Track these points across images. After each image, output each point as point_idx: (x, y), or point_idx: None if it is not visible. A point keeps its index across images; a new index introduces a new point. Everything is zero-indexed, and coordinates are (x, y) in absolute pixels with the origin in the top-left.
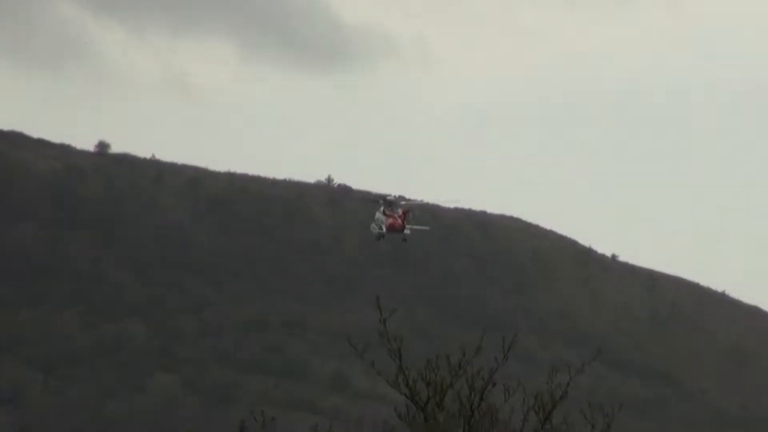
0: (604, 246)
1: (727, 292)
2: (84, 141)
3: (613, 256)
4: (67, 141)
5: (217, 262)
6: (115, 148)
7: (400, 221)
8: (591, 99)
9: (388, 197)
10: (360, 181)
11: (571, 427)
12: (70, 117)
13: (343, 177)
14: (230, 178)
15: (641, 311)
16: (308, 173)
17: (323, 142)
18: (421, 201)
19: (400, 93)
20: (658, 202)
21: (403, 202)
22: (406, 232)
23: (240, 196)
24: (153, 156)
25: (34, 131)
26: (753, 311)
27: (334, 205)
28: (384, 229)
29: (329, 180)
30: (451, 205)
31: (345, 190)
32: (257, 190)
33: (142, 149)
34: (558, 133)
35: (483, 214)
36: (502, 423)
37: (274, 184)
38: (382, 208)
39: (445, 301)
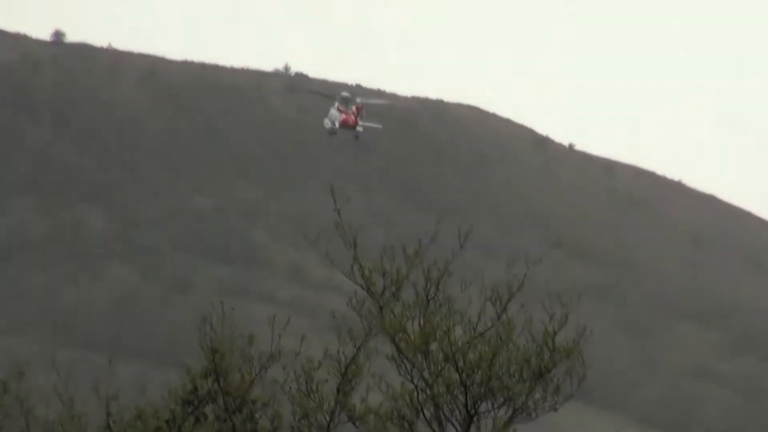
0: (561, 135)
1: (683, 181)
2: (40, 30)
3: (570, 145)
4: (22, 30)
5: (174, 148)
6: (71, 37)
7: (353, 118)
8: None
9: (343, 94)
10: (318, 70)
11: (528, 317)
12: (25, 5)
13: (301, 65)
14: (187, 66)
15: (598, 198)
16: (265, 62)
17: (281, 30)
18: (378, 101)
19: None
20: (614, 92)
21: (358, 99)
22: (359, 129)
23: (197, 84)
24: (109, 45)
25: None
26: (709, 199)
27: (292, 93)
28: (337, 125)
29: (286, 68)
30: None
31: (302, 79)
32: (214, 78)
33: (98, 38)
34: (516, 22)
35: (440, 102)
36: (458, 313)
37: (231, 72)
38: (336, 104)
39: (404, 187)
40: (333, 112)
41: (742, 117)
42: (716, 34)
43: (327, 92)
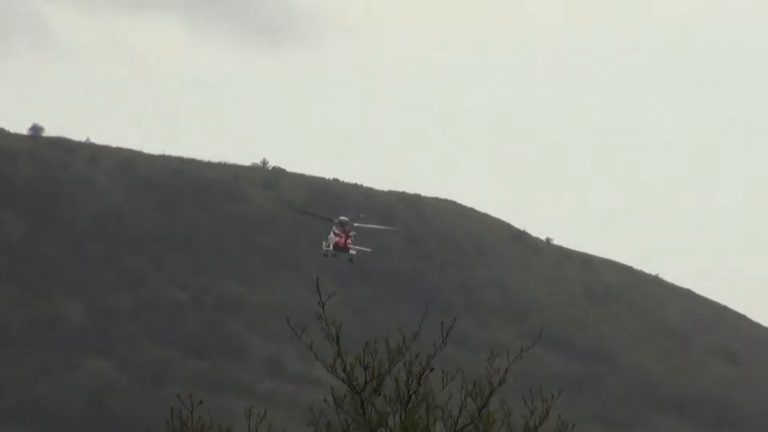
0: (538, 230)
1: (660, 275)
2: (17, 124)
3: (548, 240)
4: None
5: (152, 239)
6: (49, 131)
7: (343, 240)
8: (533, 77)
9: (341, 218)
10: (295, 165)
11: (508, 412)
12: (2, 99)
13: (279, 160)
14: (165, 160)
15: (576, 291)
16: (243, 156)
17: (259, 124)
18: (380, 227)
19: (340, 72)
20: (591, 187)
21: (356, 224)
22: (352, 252)
23: (174, 177)
24: (87, 139)
25: None
26: (686, 293)
27: (270, 186)
28: (331, 247)
29: (264, 162)
30: (393, 228)
31: (280, 173)
32: (192, 172)
33: (76, 132)
34: (493, 116)
35: (417, 197)
36: (439, 409)
37: (209, 166)
38: (333, 228)
39: (382, 279)
40: (331, 235)
41: (718, 213)
42: (686, 129)
43: (326, 216)
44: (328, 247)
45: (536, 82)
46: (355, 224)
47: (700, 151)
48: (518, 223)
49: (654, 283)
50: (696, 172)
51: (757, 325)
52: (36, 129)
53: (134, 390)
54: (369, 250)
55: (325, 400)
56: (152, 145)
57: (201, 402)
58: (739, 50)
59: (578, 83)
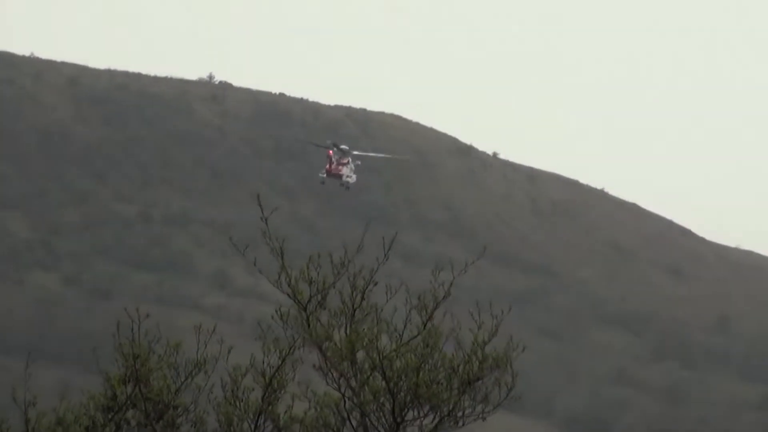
0: (484, 144)
1: (606, 189)
2: None
3: (494, 154)
4: None
5: (98, 155)
6: None
7: (333, 167)
8: None
9: (342, 147)
10: (242, 79)
11: (457, 326)
12: None
13: (226, 74)
14: (110, 75)
15: (522, 206)
16: (189, 71)
17: (205, 38)
18: (376, 155)
19: None
20: (536, 100)
21: (355, 152)
22: (347, 179)
23: (120, 92)
24: (32, 54)
25: None
26: (631, 208)
27: (216, 101)
28: (324, 174)
29: (210, 77)
30: (381, 154)
31: (226, 87)
32: (138, 87)
33: (20, 47)
34: (438, 30)
35: (363, 111)
36: (384, 322)
37: (155, 81)
38: (331, 155)
39: (329, 193)
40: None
41: (665, 126)
42: (640, 41)
43: (325, 145)
44: (323, 173)
45: None
46: (355, 152)
47: (644, 63)
48: (465, 138)
49: (600, 197)
50: (640, 85)
51: (702, 240)
52: None
53: (81, 305)
54: (352, 180)
55: (273, 317)
56: (97, 60)
57: (148, 315)
58: None
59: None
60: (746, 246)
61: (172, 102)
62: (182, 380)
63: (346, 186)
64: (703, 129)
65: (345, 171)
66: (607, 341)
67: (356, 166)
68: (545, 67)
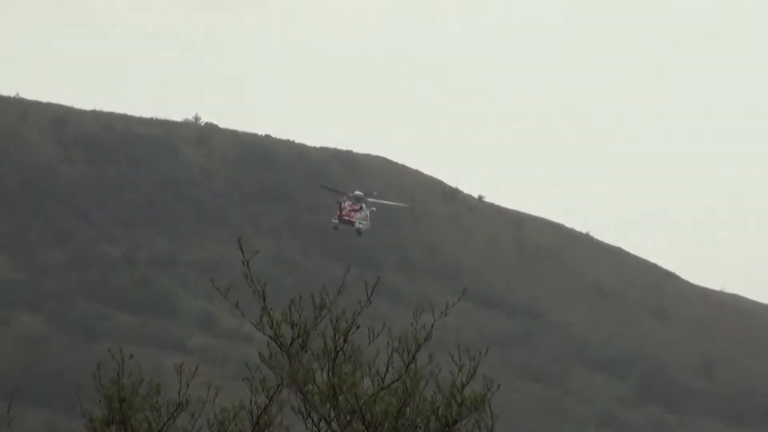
0: (470, 187)
1: (591, 233)
2: None
3: (480, 197)
4: None
5: (83, 195)
6: None
7: (340, 213)
8: (469, 33)
9: (356, 193)
10: (227, 121)
11: (436, 369)
12: None
13: (211, 116)
14: (96, 116)
15: (507, 249)
16: (175, 112)
17: (190, 80)
18: (392, 203)
19: (271, 28)
20: (523, 144)
21: (370, 199)
22: (359, 225)
23: (106, 133)
24: (17, 94)
25: None
26: (616, 251)
27: (202, 142)
28: (337, 220)
29: (196, 118)
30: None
31: (212, 129)
32: (124, 127)
33: (5, 88)
34: (423, 73)
35: (349, 153)
36: (366, 365)
37: (141, 122)
38: (343, 201)
39: (313, 235)
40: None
41: (648, 172)
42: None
43: (342, 190)
44: (335, 219)
45: (470, 35)
46: (370, 199)
47: (630, 109)
48: (450, 180)
49: (584, 241)
50: (625, 130)
51: (687, 283)
52: None
53: (65, 344)
54: (363, 226)
55: (260, 357)
56: (83, 101)
57: (132, 356)
58: None
59: (513, 40)
60: (731, 289)
61: (157, 143)
62: (164, 421)
63: (359, 232)
64: (689, 173)
65: (357, 217)
66: (592, 384)
67: (371, 212)
68: (531, 112)
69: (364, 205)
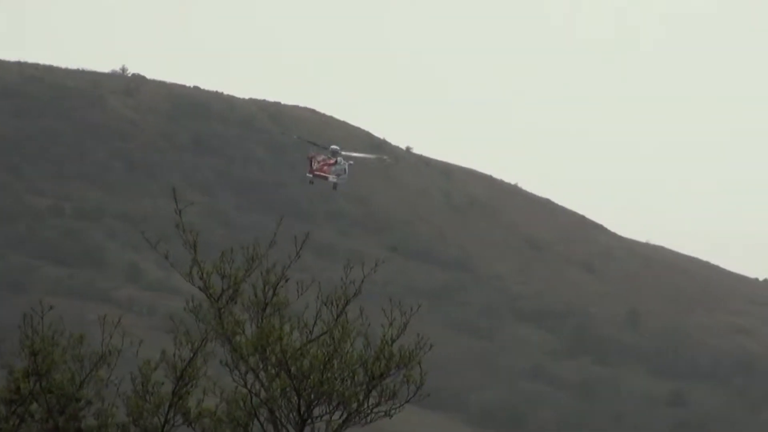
0: (397, 138)
1: (519, 185)
2: None
3: (407, 148)
4: None
5: (11, 148)
6: None
7: (311, 168)
8: None
9: (332, 147)
10: (155, 72)
11: (366, 323)
12: None
13: (139, 66)
14: (21, 67)
15: (438, 200)
16: (103, 63)
17: (117, 31)
18: (365, 156)
19: None
20: (450, 95)
21: (344, 153)
22: (332, 179)
23: (32, 85)
24: None
25: None
26: (545, 203)
27: (130, 94)
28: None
29: (123, 70)
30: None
31: (139, 80)
32: (51, 79)
33: None
34: (352, 26)
35: (277, 105)
36: (294, 317)
37: (67, 73)
38: (317, 155)
39: (245, 187)
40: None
41: (579, 123)
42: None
43: (320, 143)
44: (309, 174)
45: None
46: (344, 153)
47: (560, 60)
48: (378, 132)
49: (514, 192)
50: (555, 80)
51: (614, 235)
52: None
53: None
54: (336, 180)
55: (185, 309)
56: (8, 52)
57: (51, 307)
58: None
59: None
60: (656, 241)
61: (85, 95)
62: (86, 373)
63: (334, 186)
64: (615, 126)
65: (332, 170)
66: (522, 336)
67: (349, 166)
68: (460, 63)
69: (340, 159)
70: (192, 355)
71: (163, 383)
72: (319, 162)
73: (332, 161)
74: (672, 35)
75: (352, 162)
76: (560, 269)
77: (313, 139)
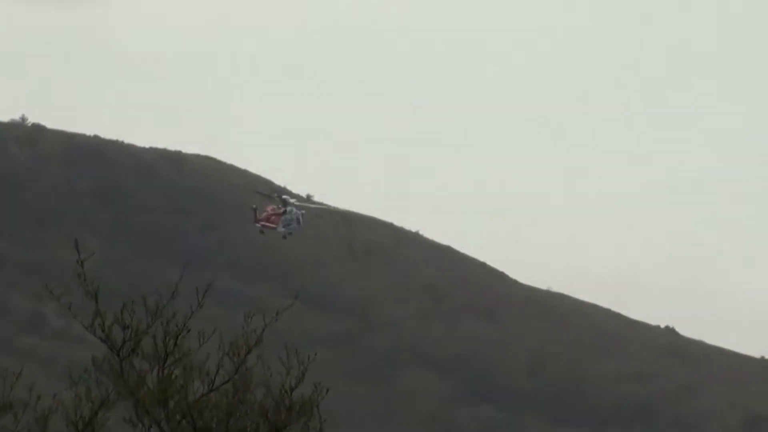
0: (299, 186)
1: (421, 232)
2: None
3: (308, 196)
4: None
5: None
6: None
7: (255, 219)
8: (294, 27)
9: (283, 197)
10: (55, 122)
11: (267, 371)
12: None
13: (38, 116)
14: None
15: (338, 248)
16: (1, 112)
17: (17, 80)
18: (320, 206)
19: (104, 32)
20: (352, 143)
21: (294, 202)
22: (281, 230)
23: None
24: None
25: None
26: (446, 250)
27: (30, 143)
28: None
29: (23, 119)
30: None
31: (40, 130)
32: None
33: None
34: (249, 74)
35: (178, 153)
36: (196, 368)
37: None
38: (269, 206)
39: (144, 237)
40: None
41: (478, 171)
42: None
43: (270, 194)
44: (258, 224)
45: (295, 31)
46: (293, 201)
47: (452, 106)
48: (279, 180)
49: (414, 240)
50: (453, 128)
51: (515, 283)
52: None
53: None
54: (283, 233)
55: (86, 370)
56: None
57: None
58: None
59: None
60: (557, 288)
61: None
62: None
63: (283, 236)
64: (517, 172)
65: (280, 221)
66: (421, 384)
67: (302, 215)
68: (361, 110)
69: (291, 208)
70: (93, 414)
71: None
72: (267, 212)
73: (281, 211)
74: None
75: (304, 212)
76: (460, 316)
77: (209, 194)
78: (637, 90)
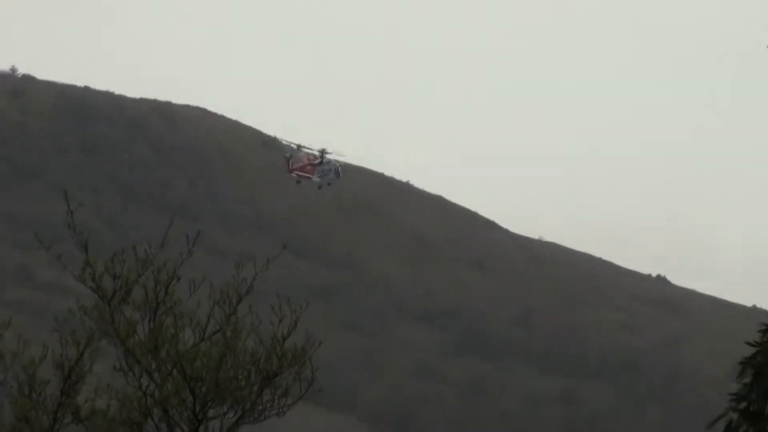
0: (288, 136)
1: (411, 182)
2: None
3: (299, 146)
4: None
5: None
6: None
7: (298, 167)
8: None
9: (321, 148)
10: (45, 72)
11: (257, 320)
12: None
13: (28, 67)
14: None
15: (326, 199)
16: None
17: (6, 30)
18: (337, 159)
19: None
20: (341, 93)
21: (329, 155)
22: (316, 180)
23: None
24: None
25: None
26: (436, 200)
27: (18, 94)
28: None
29: (13, 70)
30: (340, 157)
31: (29, 80)
32: None
33: None
34: (238, 21)
35: (168, 104)
36: (187, 316)
37: None
38: (304, 157)
39: (133, 189)
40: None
41: (471, 120)
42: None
43: (310, 148)
44: (294, 174)
45: None
46: (329, 155)
47: (442, 53)
48: (269, 130)
49: (405, 190)
50: (449, 78)
51: (506, 232)
52: None
53: None
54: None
55: (70, 310)
56: None
57: None
58: None
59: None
60: (548, 238)
61: None
62: None
63: (318, 186)
64: (508, 122)
65: (316, 172)
66: (410, 336)
67: (340, 167)
68: (350, 59)
69: (328, 159)
70: (80, 354)
71: (49, 381)
72: (303, 162)
73: (317, 162)
74: (562, 34)
75: (339, 164)
76: (449, 268)
77: (199, 145)
78: (632, 33)
